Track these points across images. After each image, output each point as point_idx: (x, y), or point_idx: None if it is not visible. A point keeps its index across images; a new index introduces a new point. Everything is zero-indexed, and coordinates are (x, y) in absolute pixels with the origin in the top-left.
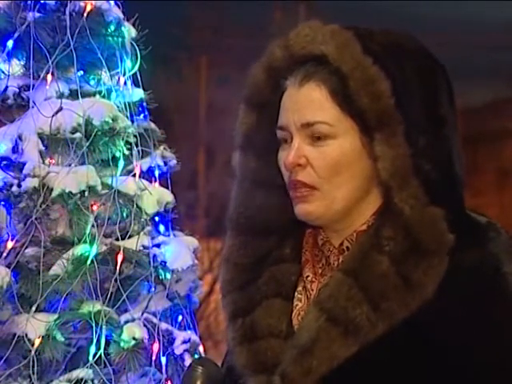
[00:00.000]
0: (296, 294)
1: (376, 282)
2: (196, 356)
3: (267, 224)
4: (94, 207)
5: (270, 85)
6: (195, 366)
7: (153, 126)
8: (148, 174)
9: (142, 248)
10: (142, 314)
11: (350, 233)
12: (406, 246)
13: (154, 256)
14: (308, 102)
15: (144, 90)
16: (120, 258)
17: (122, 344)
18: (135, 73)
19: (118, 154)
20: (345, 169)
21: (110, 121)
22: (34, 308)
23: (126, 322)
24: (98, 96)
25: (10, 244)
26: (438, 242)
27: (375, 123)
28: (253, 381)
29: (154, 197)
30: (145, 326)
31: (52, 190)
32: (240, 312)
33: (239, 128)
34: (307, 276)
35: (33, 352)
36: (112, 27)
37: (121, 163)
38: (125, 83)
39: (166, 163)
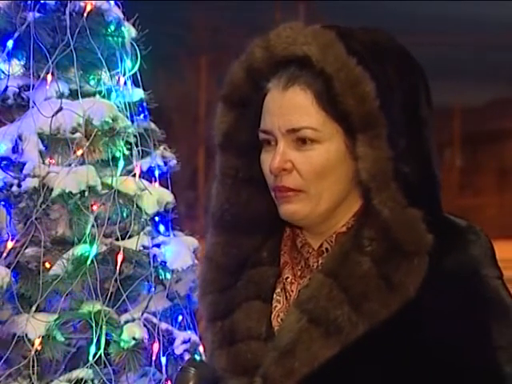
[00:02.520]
0: (275, 295)
1: (357, 283)
2: (196, 356)
3: (252, 222)
4: (94, 207)
5: (249, 84)
6: (187, 367)
7: (153, 125)
8: (148, 174)
9: (142, 248)
10: (142, 313)
11: (330, 234)
12: (386, 247)
13: (154, 256)
14: (293, 108)
15: (144, 89)
16: (120, 258)
17: (121, 344)
18: (135, 73)
19: (118, 154)
20: (330, 172)
21: (110, 121)
22: (34, 308)
23: (126, 321)
24: (98, 96)
25: (10, 244)
26: (417, 243)
27: (359, 125)
28: (234, 383)
29: (154, 197)
30: (145, 326)
31: (52, 190)
32: (219, 314)
33: (218, 127)
34: (287, 277)
35: (33, 352)
36: (112, 27)
37: (121, 163)
38: (125, 83)
39: (166, 163)
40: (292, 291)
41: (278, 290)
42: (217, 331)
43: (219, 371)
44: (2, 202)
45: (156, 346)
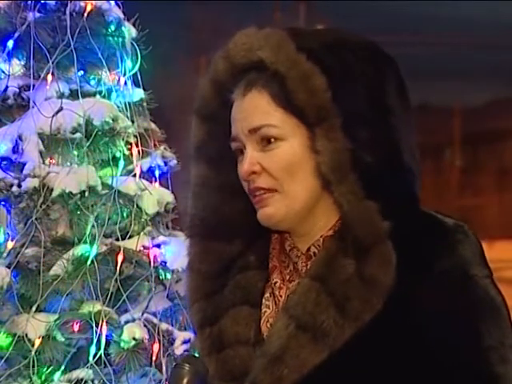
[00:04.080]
0: (264, 300)
1: (342, 286)
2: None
3: (228, 228)
4: (95, 207)
5: (217, 99)
6: (182, 363)
7: (153, 125)
8: (148, 174)
9: (142, 248)
10: (143, 314)
11: (317, 238)
12: (355, 243)
13: (155, 256)
14: (252, 109)
15: (144, 89)
16: (120, 258)
17: (122, 344)
18: (135, 73)
19: (118, 154)
20: (298, 168)
21: (111, 121)
22: (34, 308)
23: (126, 322)
24: (98, 96)
25: (10, 244)
26: (374, 234)
27: (314, 119)
28: None
29: (155, 197)
30: (145, 326)
31: (52, 190)
32: (207, 321)
33: (191, 140)
34: (275, 282)
35: (33, 352)
36: (112, 27)
37: (121, 163)
38: (125, 83)
39: (166, 163)
40: (281, 296)
41: (267, 294)
42: (205, 338)
43: (209, 378)
44: (2, 202)
45: (156, 347)
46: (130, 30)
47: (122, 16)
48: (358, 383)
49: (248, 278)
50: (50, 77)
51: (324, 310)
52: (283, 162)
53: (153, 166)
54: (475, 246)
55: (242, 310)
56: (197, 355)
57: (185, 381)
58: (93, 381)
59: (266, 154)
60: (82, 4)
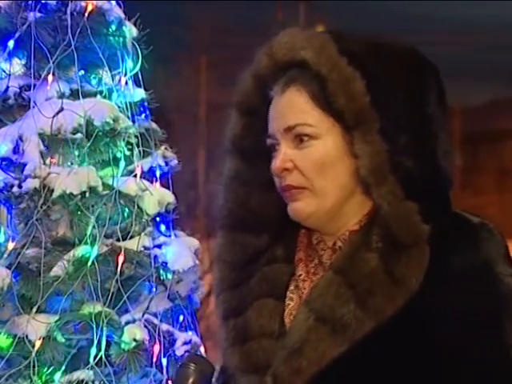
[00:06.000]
0: (288, 293)
1: (364, 280)
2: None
3: (257, 221)
4: (95, 208)
5: (257, 94)
6: (187, 363)
7: (154, 125)
8: (149, 175)
9: (142, 249)
10: (143, 314)
11: (343, 232)
12: (388, 241)
13: (155, 257)
14: (289, 107)
15: (145, 89)
16: (121, 258)
17: (122, 345)
18: (136, 73)
19: (118, 155)
20: (330, 167)
21: (111, 121)
22: (34, 309)
23: (127, 323)
24: (99, 96)
25: (10, 245)
26: (413, 234)
27: (353, 122)
28: (245, 381)
29: (155, 197)
30: (145, 327)
31: (53, 190)
32: (232, 312)
33: (228, 134)
34: (300, 275)
35: (33, 353)
36: (113, 27)
37: (122, 164)
38: (126, 83)
39: (167, 163)
40: (304, 289)
41: (292, 287)
42: (230, 329)
43: (232, 369)
44: (3, 203)
45: (157, 348)
46: (130, 30)
47: (122, 16)
48: (376, 377)
49: (274, 270)
50: (50, 77)
51: (344, 303)
52: (316, 161)
53: (154, 166)
54: (500, 245)
55: (266, 302)
56: (202, 355)
57: (190, 380)
58: (93, 382)
59: (299, 151)
60: (83, 4)
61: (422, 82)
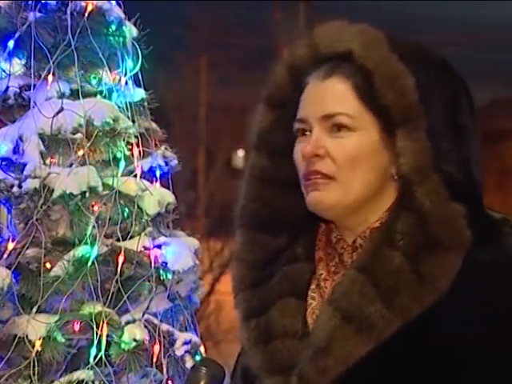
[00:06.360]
0: (309, 292)
1: (389, 278)
2: (197, 357)
3: (277, 222)
4: (95, 208)
5: (291, 84)
6: (199, 366)
7: (154, 125)
8: (149, 175)
9: (142, 249)
10: (143, 314)
11: (363, 230)
12: (420, 240)
13: (155, 257)
14: (330, 95)
15: (145, 89)
16: (121, 258)
17: (122, 345)
18: (136, 72)
19: (118, 155)
20: (362, 162)
21: (111, 121)
22: (34, 309)
23: (127, 323)
24: (99, 96)
25: (10, 245)
26: (456, 238)
27: (399, 119)
28: (270, 382)
29: (155, 197)
30: (145, 327)
31: (53, 190)
32: (253, 312)
33: (255, 127)
34: (321, 274)
35: (33, 353)
36: (113, 27)
37: (122, 163)
38: (126, 83)
39: (167, 163)
40: (326, 288)
41: (313, 286)
42: (252, 329)
43: (255, 369)
44: (3, 203)
45: (157, 348)
46: (130, 30)
47: (122, 16)
48: (403, 377)
49: (295, 269)
50: (50, 77)
51: (370, 302)
52: (349, 153)
53: (154, 166)
54: None
55: (288, 301)
56: (213, 359)
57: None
58: (93, 382)
59: (333, 140)
60: (83, 4)
61: (456, 93)
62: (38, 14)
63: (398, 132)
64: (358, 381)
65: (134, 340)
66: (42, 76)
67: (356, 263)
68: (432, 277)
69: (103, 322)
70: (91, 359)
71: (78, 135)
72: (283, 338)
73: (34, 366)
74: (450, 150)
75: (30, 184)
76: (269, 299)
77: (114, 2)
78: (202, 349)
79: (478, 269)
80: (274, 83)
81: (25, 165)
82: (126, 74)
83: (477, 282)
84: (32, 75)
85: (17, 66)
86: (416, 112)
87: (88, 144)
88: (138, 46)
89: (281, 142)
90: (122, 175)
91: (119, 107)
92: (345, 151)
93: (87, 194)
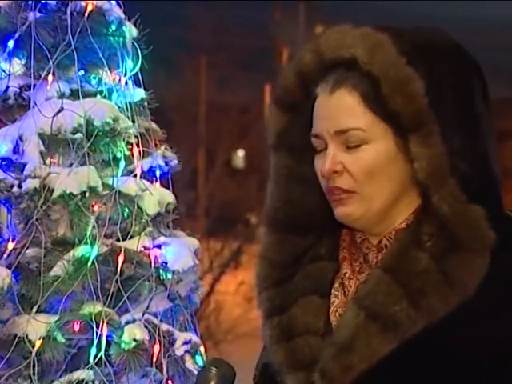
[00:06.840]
0: (333, 291)
1: (416, 279)
2: (197, 357)
3: (305, 221)
4: (95, 208)
5: (300, 89)
6: (209, 366)
7: (154, 125)
8: (149, 175)
9: (142, 249)
10: (143, 314)
11: (389, 231)
12: (445, 243)
13: (155, 257)
14: (340, 109)
15: (145, 89)
16: (121, 258)
17: (122, 345)
18: (136, 73)
19: (118, 155)
20: (381, 172)
21: (111, 121)
22: (34, 309)
23: (127, 322)
24: (99, 96)
25: (10, 245)
26: (480, 241)
27: (410, 124)
28: (292, 378)
29: (155, 197)
30: (145, 327)
31: (53, 190)
32: (276, 310)
33: (271, 128)
34: (345, 273)
35: (33, 353)
36: (113, 27)
37: (122, 163)
38: (126, 83)
39: (167, 163)
40: (350, 287)
41: (336, 285)
42: (274, 326)
43: (277, 366)
44: (3, 203)
45: (157, 348)
46: (130, 30)
47: (122, 16)
48: (425, 377)
49: (318, 268)
50: (50, 77)
51: (396, 301)
52: (367, 166)
53: (153, 166)
54: None
55: (311, 299)
56: (224, 359)
57: None
58: (93, 382)
59: (349, 154)
60: (83, 4)
61: (468, 81)
62: (38, 14)
63: (411, 138)
64: (381, 379)
65: (134, 340)
66: (42, 76)
67: (382, 263)
68: (461, 280)
69: (103, 321)
70: (91, 359)
71: (78, 135)
72: (305, 334)
73: (33, 366)
74: (465, 146)
75: (30, 184)
76: (291, 297)
77: (113, 2)
78: (201, 349)
79: (504, 272)
80: (284, 87)
81: (25, 165)
82: (125, 74)
83: (504, 285)
84: (32, 75)
85: (17, 66)
86: (427, 117)
87: (88, 144)
88: (137, 46)
89: (301, 141)
90: (121, 175)
91: (119, 107)
92: (362, 165)
93: (87, 194)
